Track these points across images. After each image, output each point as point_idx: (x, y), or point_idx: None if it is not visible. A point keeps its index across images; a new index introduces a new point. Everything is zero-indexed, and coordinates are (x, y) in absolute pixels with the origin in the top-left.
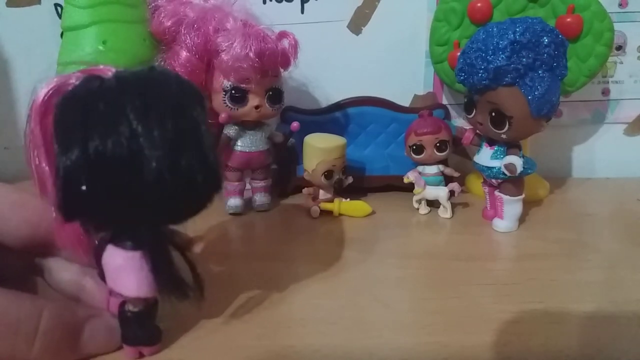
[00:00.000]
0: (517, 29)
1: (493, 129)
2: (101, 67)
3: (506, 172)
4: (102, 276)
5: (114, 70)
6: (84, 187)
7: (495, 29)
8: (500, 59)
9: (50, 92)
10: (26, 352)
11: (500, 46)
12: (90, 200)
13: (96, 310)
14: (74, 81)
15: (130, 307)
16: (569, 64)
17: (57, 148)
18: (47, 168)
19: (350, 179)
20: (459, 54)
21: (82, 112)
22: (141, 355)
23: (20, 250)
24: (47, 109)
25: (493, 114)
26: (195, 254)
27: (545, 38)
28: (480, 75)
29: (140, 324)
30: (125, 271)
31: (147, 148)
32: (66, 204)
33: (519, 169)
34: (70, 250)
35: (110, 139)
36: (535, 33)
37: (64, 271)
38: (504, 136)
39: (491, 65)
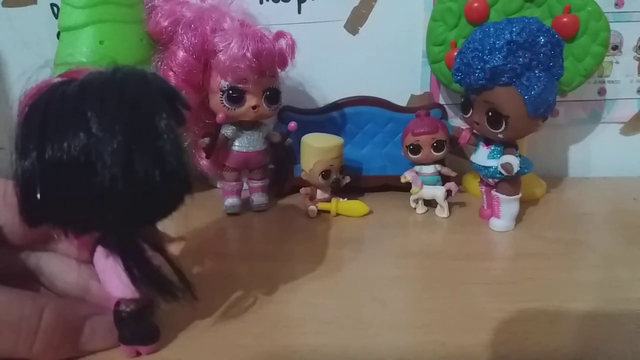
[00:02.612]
0: (514, 29)
1: (490, 128)
2: (82, 69)
3: (503, 171)
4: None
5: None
6: (38, 194)
7: (491, 29)
8: (496, 58)
9: (30, 96)
10: (27, 349)
11: (496, 46)
12: (49, 206)
13: (97, 308)
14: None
15: (123, 307)
16: (565, 64)
17: (15, 155)
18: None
19: (347, 179)
20: (455, 53)
21: (40, 119)
22: (138, 354)
23: (21, 244)
24: None
25: (490, 113)
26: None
27: (541, 38)
28: (476, 75)
29: (135, 323)
30: (110, 272)
31: (100, 153)
32: (26, 210)
33: (516, 168)
34: (68, 243)
35: (64, 145)
36: (532, 33)
37: (67, 274)
38: (500, 136)
39: (488, 65)
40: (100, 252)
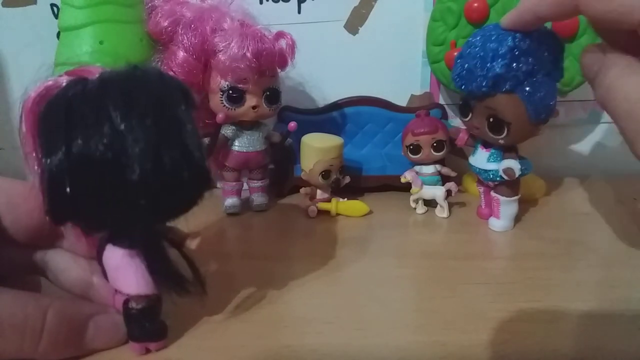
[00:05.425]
0: (516, 34)
1: (491, 134)
2: (88, 67)
3: (505, 177)
4: (105, 275)
5: (100, 70)
6: (68, 190)
7: (493, 34)
8: (499, 66)
9: (39, 95)
10: (32, 350)
11: (499, 52)
12: (77, 203)
13: (100, 307)
14: (62, 83)
15: (133, 305)
16: (565, 64)
17: (40, 152)
18: (38, 171)
19: (347, 179)
20: (455, 56)
21: (64, 116)
22: (147, 351)
23: (27, 243)
24: (36, 112)
25: (491, 119)
26: (193, 252)
27: (543, 42)
28: (479, 82)
29: (145, 320)
30: (124, 269)
31: (129, 148)
32: (53, 208)
33: (517, 172)
34: (76, 240)
35: (92, 141)
36: (534, 37)
37: (71, 270)
38: (501, 141)
39: (490, 73)
40: (112, 250)
